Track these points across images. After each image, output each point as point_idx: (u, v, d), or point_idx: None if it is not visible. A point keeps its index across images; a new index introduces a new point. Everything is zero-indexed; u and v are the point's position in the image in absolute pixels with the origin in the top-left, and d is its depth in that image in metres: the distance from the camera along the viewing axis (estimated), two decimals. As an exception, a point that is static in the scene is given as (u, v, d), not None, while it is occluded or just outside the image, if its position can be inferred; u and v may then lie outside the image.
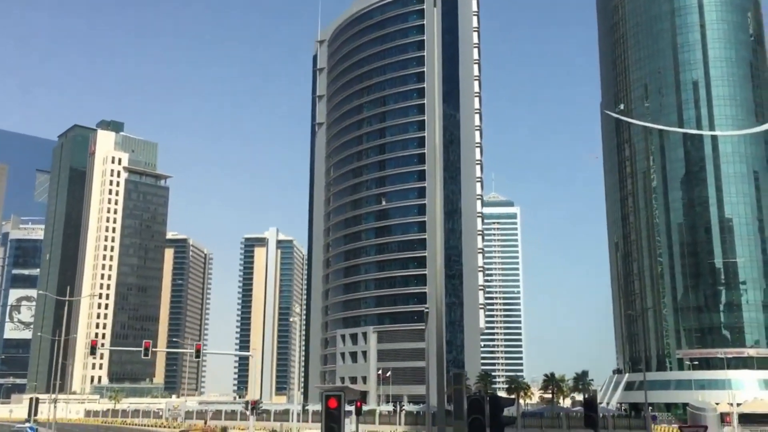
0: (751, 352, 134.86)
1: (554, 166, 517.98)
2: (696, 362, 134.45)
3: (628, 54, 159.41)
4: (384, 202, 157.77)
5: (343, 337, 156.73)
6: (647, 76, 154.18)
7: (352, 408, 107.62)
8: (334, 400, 17.42)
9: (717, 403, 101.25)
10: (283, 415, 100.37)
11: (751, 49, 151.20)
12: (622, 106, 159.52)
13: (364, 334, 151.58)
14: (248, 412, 47.80)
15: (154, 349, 49.50)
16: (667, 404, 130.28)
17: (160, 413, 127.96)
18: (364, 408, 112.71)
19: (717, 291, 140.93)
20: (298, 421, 68.06)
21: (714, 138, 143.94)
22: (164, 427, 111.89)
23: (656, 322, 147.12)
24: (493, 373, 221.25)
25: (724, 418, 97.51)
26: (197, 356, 50.21)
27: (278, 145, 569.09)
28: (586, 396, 19.05)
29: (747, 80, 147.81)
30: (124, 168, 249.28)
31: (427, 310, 41.34)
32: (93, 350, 48.22)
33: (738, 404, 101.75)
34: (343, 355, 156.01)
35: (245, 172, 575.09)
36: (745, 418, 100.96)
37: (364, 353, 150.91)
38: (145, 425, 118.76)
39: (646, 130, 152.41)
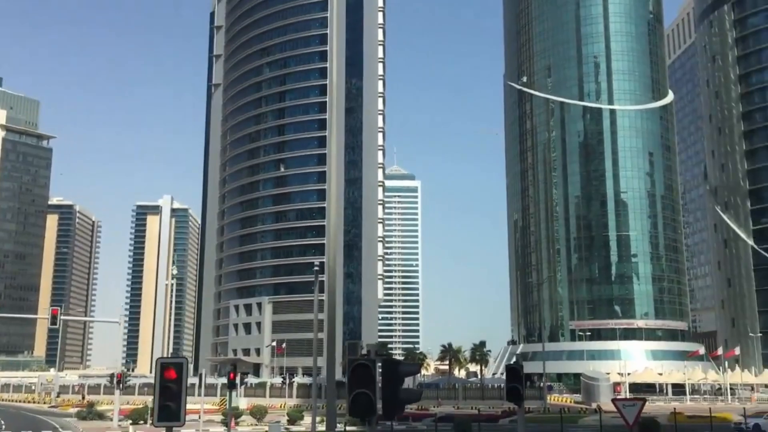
0: (640, 323, 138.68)
1: (457, 140, 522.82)
2: (588, 333, 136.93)
3: (532, 25, 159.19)
4: (283, 169, 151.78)
5: (236, 307, 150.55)
6: (550, 48, 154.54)
7: (246, 379, 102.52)
8: (173, 371, 12.60)
9: (608, 373, 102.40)
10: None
11: (651, 25, 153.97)
12: (525, 79, 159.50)
13: (259, 305, 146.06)
14: (114, 386, 42.43)
15: (2, 315, 42.85)
16: (558, 374, 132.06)
17: (33, 387, 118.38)
18: (255, 381, 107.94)
19: (610, 263, 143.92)
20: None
21: (612, 112, 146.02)
22: (33, 402, 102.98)
23: (551, 294, 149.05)
24: (390, 345, 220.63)
25: (614, 387, 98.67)
26: (53, 323, 44.14)
27: (172, 107, 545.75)
28: (508, 364, 15.18)
29: (645, 56, 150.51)
30: (1, 126, 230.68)
31: (317, 267, 37.02)
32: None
33: (628, 374, 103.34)
34: (236, 326, 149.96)
35: (138, 135, 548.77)
36: (635, 388, 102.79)
37: (259, 324, 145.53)
38: (13, 400, 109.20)
39: (548, 102, 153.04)
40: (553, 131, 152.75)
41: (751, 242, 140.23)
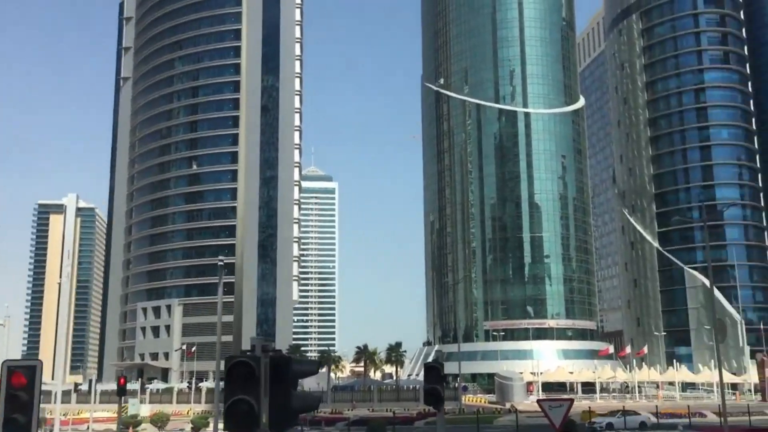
0: (551, 323, 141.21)
1: (375, 141, 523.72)
2: (502, 333, 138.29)
3: (450, 28, 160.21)
4: (195, 167, 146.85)
5: (144, 310, 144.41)
6: (467, 50, 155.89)
7: (149, 386, 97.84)
8: (22, 376, 10.36)
9: (521, 373, 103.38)
10: (66, 396, 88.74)
11: (564, 32, 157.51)
12: (442, 80, 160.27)
13: (169, 307, 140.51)
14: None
15: None
16: (473, 374, 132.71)
17: None
18: (162, 386, 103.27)
19: (523, 264, 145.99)
20: (57, 402, 57.86)
21: (527, 115, 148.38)
22: None
23: (466, 295, 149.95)
24: (305, 347, 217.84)
25: (527, 387, 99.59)
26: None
27: (78, 100, 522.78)
28: (427, 362, 13.17)
29: (558, 61, 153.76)
30: None
31: (221, 262, 34.65)
32: None
33: (540, 373, 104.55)
34: (143, 329, 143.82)
35: (40, 130, 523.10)
36: (547, 387, 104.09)
37: (168, 327, 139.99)
38: None
39: (464, 104, 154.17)
40: (470, 133, 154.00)
41: (656, 244, 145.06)
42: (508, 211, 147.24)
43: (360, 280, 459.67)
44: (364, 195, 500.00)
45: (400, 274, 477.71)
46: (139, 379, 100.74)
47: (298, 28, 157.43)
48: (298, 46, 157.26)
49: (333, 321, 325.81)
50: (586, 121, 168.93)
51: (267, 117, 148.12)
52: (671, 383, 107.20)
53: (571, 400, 14.73)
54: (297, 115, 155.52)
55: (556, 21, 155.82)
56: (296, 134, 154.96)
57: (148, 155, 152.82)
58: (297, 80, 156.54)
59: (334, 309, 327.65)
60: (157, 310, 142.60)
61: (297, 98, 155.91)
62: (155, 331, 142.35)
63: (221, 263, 32.33)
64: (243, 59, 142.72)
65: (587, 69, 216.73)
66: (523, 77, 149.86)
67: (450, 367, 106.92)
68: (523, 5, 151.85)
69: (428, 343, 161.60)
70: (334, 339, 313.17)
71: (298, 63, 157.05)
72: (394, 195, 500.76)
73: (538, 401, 15.43)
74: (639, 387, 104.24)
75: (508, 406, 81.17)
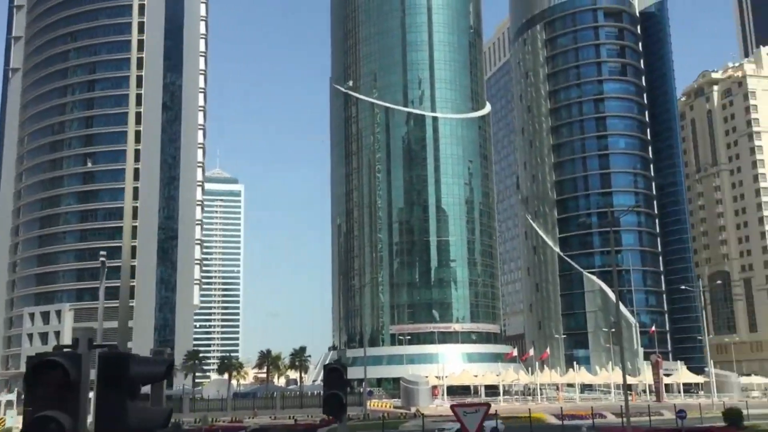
0: (457, 327, 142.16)
1: (283, 144, 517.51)
2: (408, 337, 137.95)
3: (359, 29, 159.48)
4: (90, 164, 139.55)
5: (32, 315, 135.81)
6: (376, 53, 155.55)
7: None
8: None
9: (426, 377, 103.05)
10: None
11: (471, 38, 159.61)
12: (351, 82, 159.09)
13: (58, 312, 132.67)
14: None
15: None
16: (378, 379, 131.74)
17: None
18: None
19: (430, 268, 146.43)
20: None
21: (435, 119, 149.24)
22: None
23: (372, 299, 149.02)
24: (207, 353, 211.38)
25: (433, 390, 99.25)
26: None
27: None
28: (328, 364, 11.53)
29: (466, 67, 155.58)
30: None
31: (103, 257, 31.68)
32: None
33: (445, 377, 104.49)
34: (30, 336, 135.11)
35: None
36: (451, 390, 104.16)
37: (57, 333, 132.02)
38: None
39: (373, 106, 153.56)
40: (378, 136, 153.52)
41: (557, 249, 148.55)
42: (415, 215, 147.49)
43: (265, 284, 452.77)
44: (271, 198, 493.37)
45: (307, 279, 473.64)
46: (16, 390, 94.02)
47: (203, 24, 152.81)
48: (203, 42, 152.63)
49: (237, 326, 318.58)
50: (491, 128, 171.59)
51: (168, 114, 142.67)
52: (570, 385, 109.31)
53: (488, 405, 13.39)
54: (201, 114, 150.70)
55: (464, 27, 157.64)
56: (200, 133, 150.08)
57: (39, 151, 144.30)
58: (201, 78, 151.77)
59: (238, 314, 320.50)
60: (46, 316, 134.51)
61: (201, 96, 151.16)
62: (44, 337, 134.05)
63: (103, 262, 29.39)
64: (133, 52, 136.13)
65: (493, 77, 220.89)
66: (431, 81, 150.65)
67: (355, 372, 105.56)
68: (432, 10, 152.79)
69: (334, 348, 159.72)
70: (237, 345, 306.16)
71: (202, 60, 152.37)
72: (302, 198, 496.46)
73: (452, 407, 13.99)
74: (540, 389, 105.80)
75: (413, 410, 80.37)
